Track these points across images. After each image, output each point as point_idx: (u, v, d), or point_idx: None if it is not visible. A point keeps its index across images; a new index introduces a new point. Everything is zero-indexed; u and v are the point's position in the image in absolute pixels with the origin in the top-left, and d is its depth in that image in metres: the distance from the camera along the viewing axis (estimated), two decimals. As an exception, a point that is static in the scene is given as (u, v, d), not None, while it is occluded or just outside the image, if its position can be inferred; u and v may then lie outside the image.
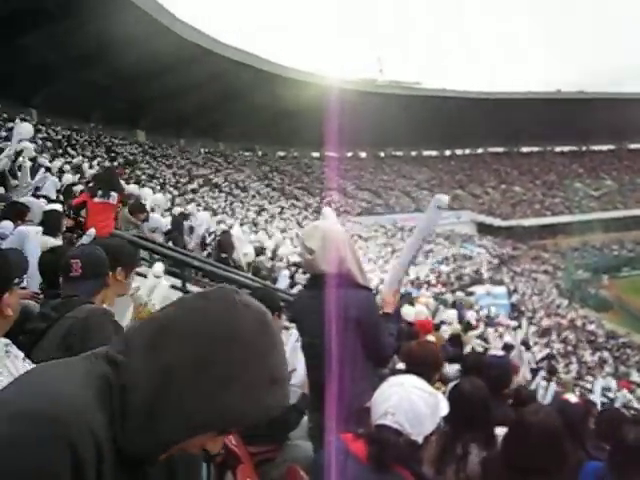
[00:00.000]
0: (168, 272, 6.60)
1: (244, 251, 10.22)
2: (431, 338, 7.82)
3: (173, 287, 6.31)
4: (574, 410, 3.68)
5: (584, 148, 64.59)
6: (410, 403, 1.78)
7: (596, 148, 64.83)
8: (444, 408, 1.91)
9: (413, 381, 1.89)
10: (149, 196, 12.34)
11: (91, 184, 7.41)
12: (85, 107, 32.16)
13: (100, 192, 6.30)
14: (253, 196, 37.01)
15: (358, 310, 2.50)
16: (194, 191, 30.65)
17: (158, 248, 7.20)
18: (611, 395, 15.74)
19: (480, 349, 9.46)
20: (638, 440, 2.82)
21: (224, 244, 9.54)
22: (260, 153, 48.49)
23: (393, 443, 1.74)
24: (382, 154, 58.09)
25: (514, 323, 19.57)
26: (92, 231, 5.33)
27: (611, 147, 64.77)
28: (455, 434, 2.82)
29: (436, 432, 2.83)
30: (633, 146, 64.60)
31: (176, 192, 27.04)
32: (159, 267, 5.22)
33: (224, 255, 9.20)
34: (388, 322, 2.75)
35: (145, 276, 5.37)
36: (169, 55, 29.37)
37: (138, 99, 34.29)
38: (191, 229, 11.18)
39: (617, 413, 4.51)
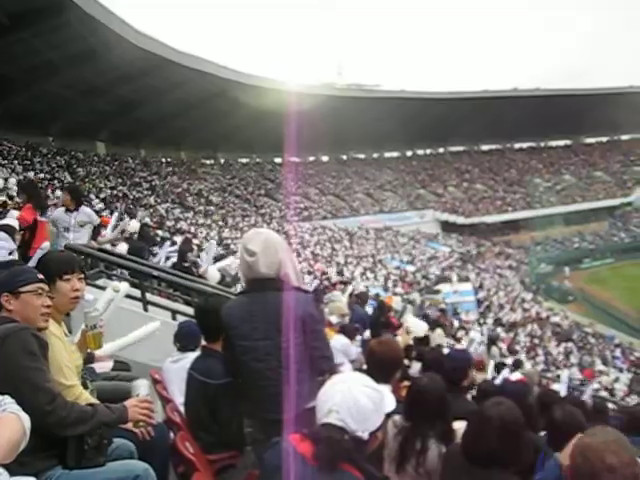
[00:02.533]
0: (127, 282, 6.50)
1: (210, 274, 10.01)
2: (398, 337, 7.89)
3: (131, 297, 6.22)
4: (515, 388, 3.79)
5: (542, 144, 65.71)
6: (354, 400, 1.78)
7: (553, 144, 66.12)
8: (390, 404, 1.92)
9: (357, 378, 1.88)
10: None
11: (23, 198, 7.12)
12: (43, 120, 31.44)
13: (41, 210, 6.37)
14: (216, 204, 36.77)
15: (302, 311, 2.55)
16: (157, 202, 30.33)
17: (115, 258, 7.07)
18: (576, 384, 16.08)
19: (445, 345, 9.55)
20: (564, 416, 2.99)
21: (185, 252, 9.45)
22: (222, 161, 48.18)
23: (338, 441, 1.73)
24: (344, 157, 58.21)
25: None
26: (46, 244, 5.28)
27: (568, 142, 66.04)
28: (414, 429, 2.84)
29: (395, 427, 2.88)
30: (589, 140, 66.06)
31: (138, 203, 26.76)
32: (124, 286, 5.16)
33: (186, 264, 9.11)
34: None
35: (104, 289, 5.31)
36: (127, 65, 28.93)
37: (97, 111, 33.74)
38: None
39: (551, 396, 4.62)
